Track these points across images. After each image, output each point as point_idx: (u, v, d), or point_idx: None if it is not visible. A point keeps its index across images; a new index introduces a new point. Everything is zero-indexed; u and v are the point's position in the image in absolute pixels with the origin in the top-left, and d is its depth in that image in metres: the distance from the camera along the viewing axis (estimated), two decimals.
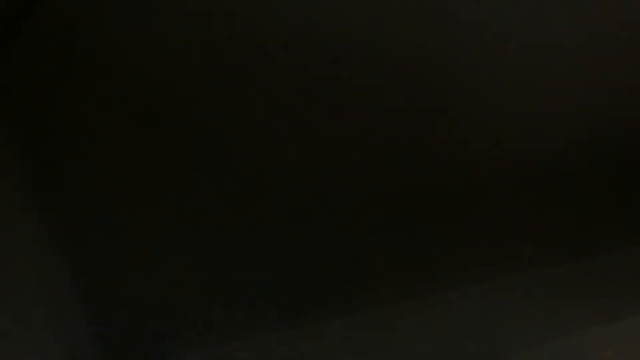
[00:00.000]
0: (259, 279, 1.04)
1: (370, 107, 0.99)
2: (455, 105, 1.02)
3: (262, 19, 0.90)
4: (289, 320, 1.07)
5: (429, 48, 0.97)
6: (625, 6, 1.01)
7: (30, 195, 0.91)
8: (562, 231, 1.12)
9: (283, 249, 1.03)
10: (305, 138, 0.98)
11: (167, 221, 0.97)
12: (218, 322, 1.04)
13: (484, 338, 1.06)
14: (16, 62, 0.86)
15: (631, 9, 1.01)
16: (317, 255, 1.05)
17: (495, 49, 1.00)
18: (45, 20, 0.84)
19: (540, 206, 1.10)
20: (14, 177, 0.88)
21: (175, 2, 0.87)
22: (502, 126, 1.05)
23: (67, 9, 0.84)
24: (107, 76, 0.89)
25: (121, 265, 0.98)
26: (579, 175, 1.10)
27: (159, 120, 0.92)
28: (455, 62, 0.99)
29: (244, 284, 1.04)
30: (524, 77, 1.02)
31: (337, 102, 0.97)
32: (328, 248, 1.05)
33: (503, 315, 1.08)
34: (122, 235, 0.96)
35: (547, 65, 1.03)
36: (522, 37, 1.00)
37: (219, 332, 1.05)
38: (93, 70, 0.88)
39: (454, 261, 1.10)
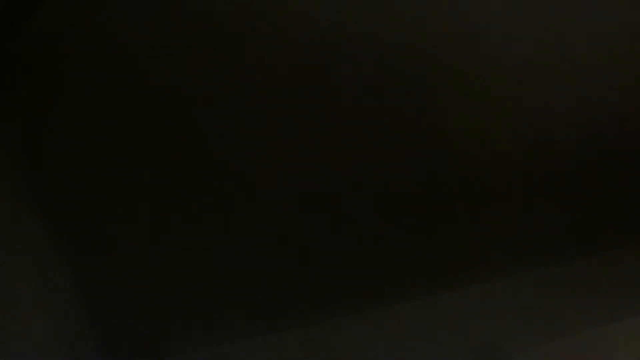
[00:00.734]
0: (259, 279, 1.04)
1: (370, 108, 0.99)
2: (455, 106, 1.02)
3: (263, 18, 0.90)
4: (288, 320, 1.07)
5: (433, 48, 0.97)
6: (629, 3, 1.01)
7: (30, 195, 0.91)
8: (562, 231, 1.12)
9: (283, 249, 1.03)
10: (305, 139, 0.98)
11: (167, 221, 0.97)
12: (218, 322, 1.04)
13: (484, 338, 1.06)
14: (16, 62, 0.86)
15: (635, 6, 1.01)
16: (317, 256, 1.05)
17: (498, 48, 1.00)
18: (45, 20, 0.84)
19: (540, 206, 1.10)
20: (14, 177, 0.88)
21: (176, 2, 0.87)
22: (503, 127, 1.05)
23: (67, 9, 0.84)
24: (107, 76, 0.89)
25: (121, 265, 0.98)
26: (579, 175, 1.10)
27: (159, 120, 0.92)
28: (458, 64, 0.99)
29: (243, 284, 1.04)
30: (525, 78, 1.02)
31: (338, 102, 0.97)
32: (328, 248, 1.05)
33: (503, 315, 1.08)
34: (122, 235, 0.96)
35: (548, 66, 1.02)
36: (524, 36, 1.00)
37: (219, 332, 1.05)
38: (93, 70, 0.88)
39: (454, 261, 1.10)
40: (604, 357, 1.02)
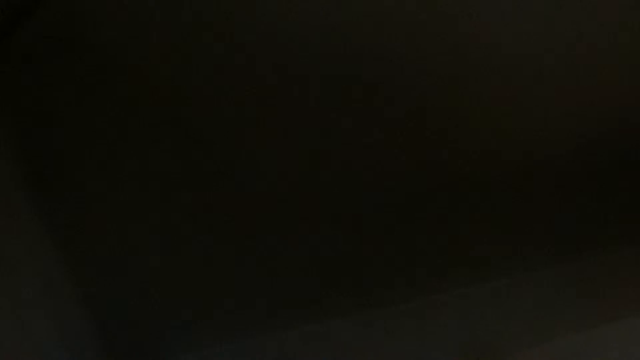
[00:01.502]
0: (258, 279, 1.04)
1: (370, 109, 0.99)
2: (455, 107, 1.02)
3: (264, 18, 0.90)
4: (288, 320, 1.07)
5: (436, 54, 0.97)
6: (625, 11, 1.01)
7: (30, 195, 0.91)
8: (563, 231, 1.12)
9: (282, 250, 1.03)
10: (305, 139, 0.98)
11: (167, 221, 0.97)
12: (217, 322, 1.04)
13: (483, 338, 1.06)
14: (16, 62, 0.86)
15: (631, 13, 1.02)
16: (317, 256, 1.05)
17: (501, 53, 1.00)
18: (46, 20, 0.84)
19: (540, 207, 1.11)
20: (14, 177, 0.88)
21: (176, 3, 0.87)
22: (503, 128, 1.05)
23: (67, 9, 0.84)
24: (107, 76, 0.89)
25: (121, 265, 0.98)
26: (580, 176, 1.11)
27: (159, 119, 0.92)
28: (462, 68, 0.99)
29: (243, 284, 1.04)
30: (527, 80, 1.03)
31: (339, 102, 0.97)
32: (327, 248, 1.05)
33: (502, 315, 1.08)
34: (122, 236, 0.96)
35: (548, 66, 1.03)
36: (525, 42, 1.00)
37: (219, 332, 1.05)
38: (93, 70, 0.88)
39: (454, 262, 1.10)
40: (604, 357, 1.02)
